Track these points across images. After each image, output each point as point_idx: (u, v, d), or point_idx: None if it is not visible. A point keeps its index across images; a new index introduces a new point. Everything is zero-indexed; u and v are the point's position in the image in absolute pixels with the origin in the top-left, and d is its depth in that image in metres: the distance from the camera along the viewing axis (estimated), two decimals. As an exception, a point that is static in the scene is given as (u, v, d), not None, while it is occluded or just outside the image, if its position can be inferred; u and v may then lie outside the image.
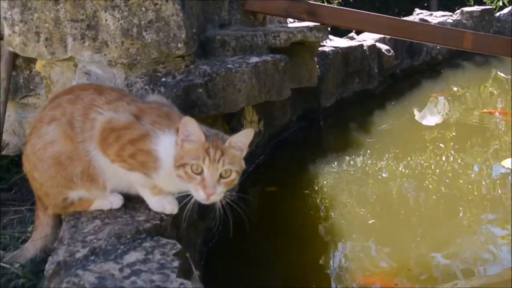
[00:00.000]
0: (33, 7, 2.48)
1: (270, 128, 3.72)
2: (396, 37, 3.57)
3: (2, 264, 1.99)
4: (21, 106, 2.95)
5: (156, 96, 2.19)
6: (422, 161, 3.39)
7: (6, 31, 2.54)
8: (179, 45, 2.38)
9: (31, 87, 2.88)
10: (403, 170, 3.28)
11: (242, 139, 1.77)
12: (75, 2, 2.42)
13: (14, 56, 2.82)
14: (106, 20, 2.40)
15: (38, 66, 2.80)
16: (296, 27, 3.13)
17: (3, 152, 2.90)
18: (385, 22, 3.14)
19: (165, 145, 1.80)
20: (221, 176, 1.73)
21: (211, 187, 1.70)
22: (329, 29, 3.39)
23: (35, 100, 2.90)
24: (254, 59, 2.65)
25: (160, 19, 2.37)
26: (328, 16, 3.11)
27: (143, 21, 2.37)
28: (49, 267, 1.70)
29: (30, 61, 2.85)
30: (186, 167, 1.72)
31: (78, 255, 1.72)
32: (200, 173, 1.71)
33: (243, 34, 2.86)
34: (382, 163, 3.39)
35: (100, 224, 1.90)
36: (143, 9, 2.37)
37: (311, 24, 3.21)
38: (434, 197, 2.93)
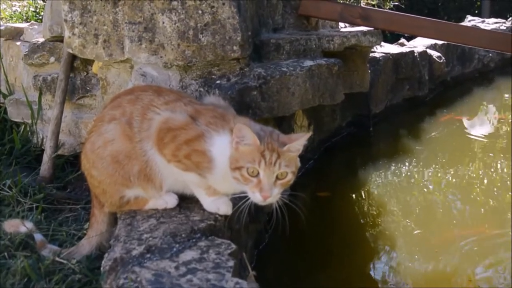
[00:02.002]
0: (93, 10, 2.54)
1: (319, 133, 3.71)
2: (449, 42, 3.51)
3: (59, 259, 2.03)
4: (77, 107, 3.01)
5: (214, 98, 2.20)
6: (470, 172, 3.31)
7: (66, 33, 2.60)
8: (235, 47, 2.40)
9: (88, 88, 2.95)
10: (451, 179, 3.21)
11: (300, 143, 1.79)
12: (134, 5, 2.47)
13: (72, 58, 2.89)
14: (163, 23, 2.44)
15: (95, 68, 2.86)
16: (350, 32, 3.12)
17: (59, 152, 2.97)
18: (438, 26, 3.11)
19: (219, 146, 1.83)
20: (277, 178, 1.76)
21: (268, 190, 1.74)
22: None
23: (91, 101, 2.96)
24: (308, 63, 2.65)
25: (216, 21, 2.39)
26: (382, 21, 3.09)
27: (200, 23, 2.40)
28: (106, 263, 1.74)
29: (87, 63, 2.92)
30: (242, 170, 1.75)
31: (134, 252, 1.75)
32: (256, 175, 1.74)
33: (297, 37, 2.87)
34: (430, 172, 3.33)
35: (156, 223, 1.93)
36: (200, 11, 2.40)
37: (364, 28, 3.20)
38: (482, 210, 2.84)
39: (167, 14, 2.44)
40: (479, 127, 4.44)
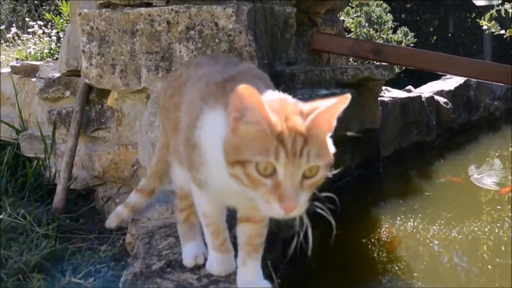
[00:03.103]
0: (111, 40, 2.58)
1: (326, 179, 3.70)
2: (460, 76, 3.54)
3: (75, 280, 2.01)
4: (91, 140, 3.03)
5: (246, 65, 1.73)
6: (477, 228, 3.24)
7: (84, 64, 2.65)
8: (251, 74, 2.43)
9: (102, 120, 2.97)
10: (457, 235, 3.14)
11: (335, 111, 1.17)
12: (151, 35, 2.52)
13: (88, 90, 2.93)
14: (180, 52, 2.49)
15: (110, 101, 2.89)
16: (363, 65, 3.17)
17: (71, 186, 2.97)
18: (447, 60, 3.15)
19: (210, 126, 1.32)
20: (304, 177, 1.14)
21: (292, 197, 1.12)
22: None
23: (105, 133, 2.98)
24: (323, 92, 2.68)
25: (233, 49, 2.43)
26: (393, 55, 3.15)
27: (216, 51, 2.44)
28: (125, 278, 1.72)
29: (103, 95, 2.96)
30: (247, 166, 1.14)
31: (154, 267, 1.73)
32: (272, 174, 1.13)
33: (312, 68, 2.91)
34: (436, 226, 3.26)
35: (175, 241, 1.91)
36: (217, 40, 2.45)
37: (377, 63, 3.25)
38: (490, 266, 2.76)
39: (184, 43, 2.48)
40: (487, 179, 4.42)
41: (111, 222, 2.11)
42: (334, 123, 1.19)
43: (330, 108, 1.15)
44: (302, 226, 1.23)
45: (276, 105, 1.16)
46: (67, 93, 3.14)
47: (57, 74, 3.26)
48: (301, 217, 1.21)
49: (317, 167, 1.15)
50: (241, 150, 1.15)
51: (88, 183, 3.05)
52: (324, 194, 1.26)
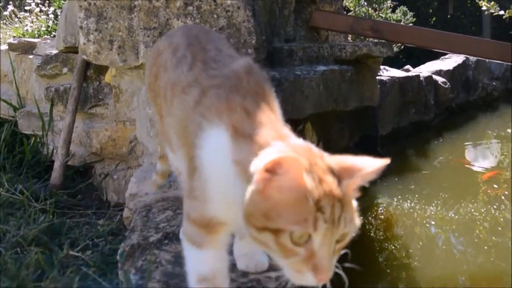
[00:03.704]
0: (108, 17, 2.57)
1: (327, 151, 3.71)
2: (458, 53, 3.53)
3: (73, 253, 2.02)
4: (89, 117, 3.03)
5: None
6: (473, 209, 3.23)
7: (81, 40, 2.64)
8: (249, 50, 2.43)
9: (100, 97, 2.97)
10: (453, 216, 3.14)
11: (370, 176, 1.05)
12: (149, 11, 2.51)
13: (86, 67, 2.92)
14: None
15: (107, 77, 2.89)
16: (361, 42, 3.16)
17: (69, 162, 2.98)
18: (446, 38, 3.15)
19: (213, 146, 1.16)
20: (336, 241, 1.05)
21: (328, 268, 1.03)
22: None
23: (103, 110, 2.98)
24: (321, 68, 2.68)
25: (231, 25, 2.42)
26: (391, 32, 3.14)
27: (215, 27, 2.43)
28: (123, 249, 1.73)
29: (100, 72, 2.95)
30: (280, 235, 1.00)
31: (151, 239, 1.74)
32: (306, 243, 1.01)
33: (310, 45, 2.91)
34: (433, 206, 3.26)
35: (172, 214, 1.92)
36: (215, 16, 2.44)
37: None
38: (486, 247, 2.75)
39: (182, 19, 2.47)
40: (482, 161, 4.43)
41: (150, 189, 2.08)
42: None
43: (367, 175, 1.03)
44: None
45: (306, 161, 1.00)
46: (65, 70, 3.13)
47: (54, 51, 3.25)
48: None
49: (348, 233, 1.05)
50: (273, 217, 1.00)
51: (85, 159, 3.05)
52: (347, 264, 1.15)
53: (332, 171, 1.03)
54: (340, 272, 1.11)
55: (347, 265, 1.13)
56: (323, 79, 2.61)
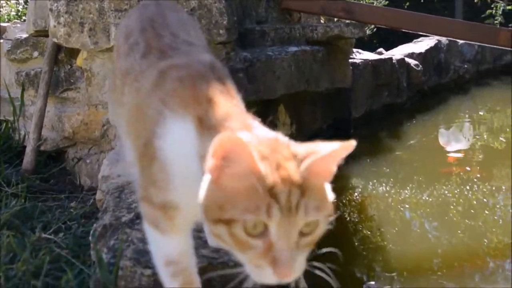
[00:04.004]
0: (79, -1, 2.55)
1: (300, 135, 3.73)
2: (431, 35, 3.56)
3: (45, 235, 2.02)
4: (61, 101, 3.00)
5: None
6: (447, 191, 3.25)
7: (51, 23, 2.62)
8: (221, 31, 2.43)
9: (72, 81, 2.94)
10: (427, 198, 3.16)
11: (337, 157, 0.97)
12: (120, -8, 2.49)
13: (57, 50, 2.89)
14: (149, 9, 2.46)
15: (79, 61, 2.87)
16: (333, 23, 3.18)
17: (41, 148, 2.96)
18: (418, 19, 3.17)
19: (176, 138, 1.11)
20: (300, 233, 0.96)
21: (288, 261, 0.93)
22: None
23: (75, 94, 2.95)
24: (293, 48, 2.70)
25: (202, 6, 2.43)
26: (364, 13, 3.15)
27: (186, 8, 2.43)
28: (95, 230, 1.73)
29: (72, 55, 2.92)
30: (232, 225, 0.94)
31: (124, 219, 1.74)
32: (263, 234, 0.94)
33: (282, 26, 2.92)
34: (407, 189, 3.29)
35: (144, 195, 1.92)
36: (186, -4, 2.44)
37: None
38: (459, 231, 2.78)
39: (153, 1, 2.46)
40: (455, 144, 4.47)
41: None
42: (334, 169, 0.99)
43: (331, 154, 0.95)
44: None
45: (265, 148, 0.96)
46: (35, 53, 3.10)
47: (24, 35, 3.21)
48: (297, 283, 1.01)
49: (316, 222, 0.96)
50: (226, 208, 0.94)
51: (58, 144, 3.03)
52: (325, 250, 1.12)
53: (296, 157, 0.96)
54: (332, 281, 1.06)
55: (325, 250, 1.12)
56: (295, 59, 2.63)
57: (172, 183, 1.11)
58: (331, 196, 1.00)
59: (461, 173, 3.44)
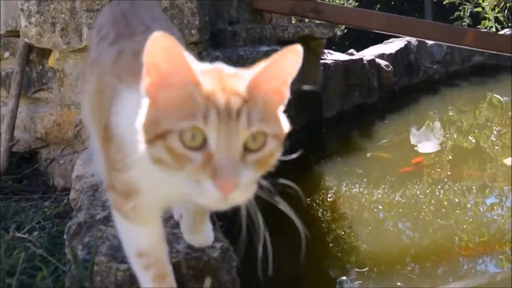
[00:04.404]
0: (50, -1, 2.55)
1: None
2: (399, 35, 3.62)
3: (19, 234, 2.01)
4: (33, 102, 2.99)
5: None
6: (419, 191, 3.28)
7: (22, 23, 2.61)
8: (193, 31, 2.45)
9: (44, 81, 2.93)
10: (400, 199, 3.20)
11: (283, 68, 0.92)
12: (91, -8, 2.50)
13: (28, 50, 2.88)
14: (122, 9, 2.48)
15: (51, 62, 2.86)
16: (303, 24, 3.23)
17: (14, 149, 2.94)
18: (387, 19, 3.24)
19: (130, 109, 1.00)
20: (247, 149, 0.89)
21: (230, 172, 0.86)
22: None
23: (47, 94, 2.94)
24: (264, 48, 2.73)
25: (174, 6, 2.44)
26: (332, 14, 3.21)
27: (158, 8, 2.44)
28: (69, 227, 1.74)
29: (43, 56, 2.91)
30: (168, 138, 0.87)
31: (98, 216, 1.75)
32: (202, 146, 0.87)
33: (253, 26, 2.96)
34: (379, 190, 3.33)
35: (118, 193, 1.94)
36: (158, -3, 2.45)
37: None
38: (431, 230, 2.81)
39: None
40: (426, 144, 4.52)
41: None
42: (285, 91, 0.94)
43: (273, 65, 0.90)
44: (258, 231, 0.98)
45: (209, 72, 0.91)
46: (6, 54, 3.08)
47: (-5, 35, 3.19)
48: (250, 209, 0.96)
49: (263, 135, 0.89)
50: (161, 121, 0.88)
51: (30, 145, 3.01)
52: (283, 181, 1.05)
53: (242, 78, 0.91)
54: (293, 216, 1.02)
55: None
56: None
57: (130, 162, 1.04)
58: (285, 122, 0.95)
59: (421, 173, 3.48)
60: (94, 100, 1.23)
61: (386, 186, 3.18)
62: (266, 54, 2.71)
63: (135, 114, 0.95)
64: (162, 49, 0.87)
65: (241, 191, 0.88)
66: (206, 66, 0.94)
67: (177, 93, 0.88)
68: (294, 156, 1.04)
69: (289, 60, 0.91)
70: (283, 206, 1.02)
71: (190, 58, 0.88)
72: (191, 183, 0.88)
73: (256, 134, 0.88)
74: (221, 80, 0.89)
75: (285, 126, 0.95)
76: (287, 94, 0.94)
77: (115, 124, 1.07)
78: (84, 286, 1.48)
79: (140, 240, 1.20)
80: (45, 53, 2.88)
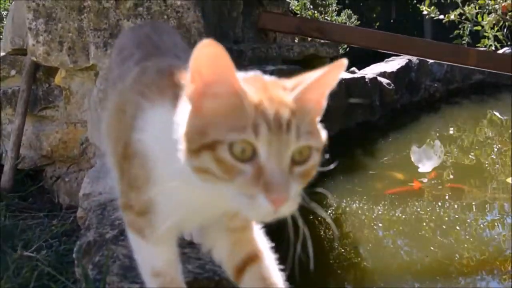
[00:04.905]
0: (58, 18, 2.58)
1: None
2: (402, 54, 3.65)
3: (27, 253, 2.01)
4: (39, 120, 3.00)
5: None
6: (419, 209, 3.29)
7: (30, 41, 2.63)
8: (200, 51, 2.46)
9: (50, 99, 2.95)
10: (400, 215, 3.20)
11: (327, 81, 0.93)
12: (99, 12, 2.52)
13: (35, 69, 2.90)
14: (129, 28, 2.50)
15: (57, 79, 2.88)
16: (309, 43, 3.26)
17: (19, 166, 2.95)
18: (391, 39, 3.26)
19: (155, 126, 1.03)
20: (293, 161, 0.88)
21: (282, 185, 0.86)
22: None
23: (53, 112, 2.96)
24: (270, 68, 2.75)
25: (181, 26, 2.47)
26: (336, 33, 3.24)
27: (165, 28, 2.46)
28: (79, 246, 1.74)
29: (50, 74, 2.93)
30: (217, 149, 0.86)
31: (107, 235, 1.75)
32: (251, 158, 0.86)
33: (259, 46, 2.98)
34: (380, 206, 3.32)
35: (127, 212, 1.94)
36: (165, 16, 2.48)
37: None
38: (432, 248, 2.81)
39: (132, 20, 2.50)
40: (426, 163, 4.53)
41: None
42: (324, 102, 0.95)
43: (321, 78, 0.90)
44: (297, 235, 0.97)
45: (251, 80, 0.91)
46: (13, 72, 3.10)
47: (1, 53, 3.21)
48: (295, 218, 0.94)
49: (308, 149, 0.90)
50: (208, 131, 0.86)
51: (36, 163, 3.02)
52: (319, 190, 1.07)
53: (284, 88, 0.91)
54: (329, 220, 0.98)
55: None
56: (273, 78, 2.68)
57: (153, 178, 1.03)
58: (323, 133, 0.95)
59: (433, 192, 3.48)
60: (113, 117, 1.21)
61: (386, 203, 3.18)
62: (272, 73, 2.74)
63: (161, 131, 0.97)
64: (208, 56, 0.85)
65: (290, 205, 0.88)
66: (245, 74, 0.94)
67: (224, 102, 0.87)
68: (332, 166, 1.05)
69: (334, 74, 0.93)
70: (321, 211, 1.03)
71: (233, 67, 0.86)
72: (242, 197, 0.87)
73: (303, 147, 0.89)
74: (266, 89, 0.89)
75: (324, 136, 0.95)
76: (325, 105, 0.96)
77: (138, 140, 1.05)
78: (95, 306, 1.48)
79: (156, 259, 1.18)
80: (51, 71, 2.90)
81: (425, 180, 3.64)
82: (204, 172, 0.88)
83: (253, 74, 0.95)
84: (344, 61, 0.91)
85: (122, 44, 1.49)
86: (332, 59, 3.46)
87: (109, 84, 1.39)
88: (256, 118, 0.85)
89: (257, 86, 0.89)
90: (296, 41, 3.95)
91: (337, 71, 0.92)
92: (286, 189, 0.86)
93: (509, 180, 3.40)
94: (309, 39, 3.71)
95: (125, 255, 1.59)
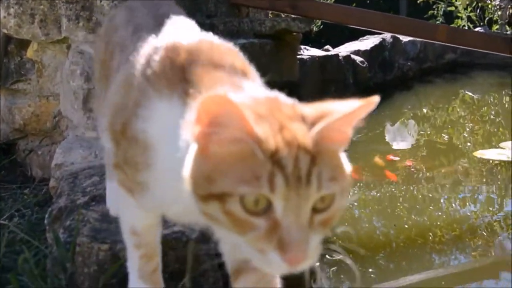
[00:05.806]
0: (29, -10, 2.57)
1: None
2: (372, 29, 3.67)
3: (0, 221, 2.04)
4: (11, 93, 3.00)
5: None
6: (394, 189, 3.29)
7: (1, 14, 2.62)
8: (172, 23, 2.48)
9: (22, 72, 2.94)
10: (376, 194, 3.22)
11: (356, 116, 0.82)
12: (71, -16, 2.52)
13: (6, 42, 2.89)
14: (101, 1, 2.50)
15: (29, 52, 2.87)
16: (280, 17, 3.29)
17: (-9, 140, 2.95)
18: (361, 14, 3.30)
19: (161, 119, 0.97)
20: (314, 210, 0.80)
21: (300, 244, 0.77)
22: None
23: (26, 85, 2.95)
24: (241, 41, 2.78)
25: None
26: (309, 9, 3.25)
27: (137, 0, 2.47)
28: (50, 212, 1.77)
29: (22, 47, 2.92)
30: (227, 201, 0.78)
31: (79, 201, 1.79)
32: (265, 211, 0.78)
33: (231, 20, 3.00)
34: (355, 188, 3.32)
35: (99, 179, 1.97)
36: (137, -11, 2.48)
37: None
38: (406, 226, 2.85)
39: (104, -8, 2.50)
40: (400, 142, 4.58)
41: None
42: (350, 133, 0.84)
43: (351, 114, 0.80)
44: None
45: (263, 108, 0.80)
46: (-16, 45, 3.09)
47: (-27, 27, 3.19)
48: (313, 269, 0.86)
49: (332, 196, 0.80)
50: (216, 179, 0.78)
51: (8, 136, 3.02)
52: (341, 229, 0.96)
53: (304, 119, 0.81)
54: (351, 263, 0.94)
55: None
56: (243, 51, 2.69)
57: (152, 169, 0.99)
58: (348, 166, 0.85)
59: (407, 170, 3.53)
60: (118, 83, 1.17)
61: (361, 185, 3.23)
62: (244, 47, 2.76)
63: (166, 127, 0.93)
64: (214, 99, 0.76)
65: (309, 260, 0.79)
66: (258, 94, 0.87)
67: (234, 148, 0.78)
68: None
69: (365, 110, 0.82)
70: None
71: (245, 106, 0.77)
72: (254, 251, 0.79)
73: (326, 196, 0.80)
74: (282, 126, 0.78)
75: (348, 168, 0.85)
76: (351, 134, 0.84)
77: (140, 129, 0.99)
78: (66, 267, 1.51)
79: (137, 221, 1.19)
80: (23, 44, 2.89)
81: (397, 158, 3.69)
82: (213, 220, 0.81)
83: (269, 97, 0.85)
84: (377, 99, 0.82)
85: (136, 20, 1.41)
86: (304, 34, 3.50)
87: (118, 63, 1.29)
88: (272, 168, 0.75)
89: (272, 122, 0.78)
90: (270, 16, 3.97)
91: (368, 108, 0.82)
92: (304, 247, 0.77)
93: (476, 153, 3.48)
94: (282, 15, 3.73)
95: (96, 219, 1.63)
